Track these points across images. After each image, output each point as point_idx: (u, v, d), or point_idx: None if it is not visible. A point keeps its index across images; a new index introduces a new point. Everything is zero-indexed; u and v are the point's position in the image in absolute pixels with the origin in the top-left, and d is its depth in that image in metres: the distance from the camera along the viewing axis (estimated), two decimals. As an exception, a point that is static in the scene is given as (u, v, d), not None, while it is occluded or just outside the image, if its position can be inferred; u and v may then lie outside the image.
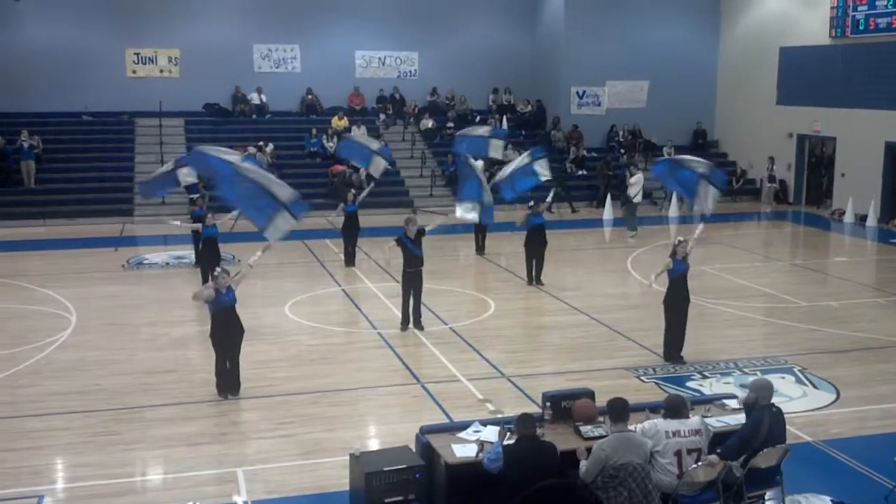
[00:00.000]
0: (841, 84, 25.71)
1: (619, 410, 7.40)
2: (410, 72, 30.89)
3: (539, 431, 7.58)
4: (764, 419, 7.78)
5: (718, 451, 7.66)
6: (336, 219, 20.22)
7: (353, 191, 20.15)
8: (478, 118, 30.49)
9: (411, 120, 29.87)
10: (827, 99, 26.11)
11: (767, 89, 28.31)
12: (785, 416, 8.15)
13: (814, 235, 24.15)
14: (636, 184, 23.02)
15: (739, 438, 7.71)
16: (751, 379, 8.74)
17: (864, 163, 25.05)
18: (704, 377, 12.02)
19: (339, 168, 26.49)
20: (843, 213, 25.24)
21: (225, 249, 17.45)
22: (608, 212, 25.32)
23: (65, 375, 12.09)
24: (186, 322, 14.56)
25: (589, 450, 7.49)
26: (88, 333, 14.09)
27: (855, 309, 15.71)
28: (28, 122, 26.24)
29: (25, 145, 24.91)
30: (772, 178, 27.92)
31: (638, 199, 22.92)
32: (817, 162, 28.00)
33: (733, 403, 8.74)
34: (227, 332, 11.05)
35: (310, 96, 29.62)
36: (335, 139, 27.80)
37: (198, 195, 20.16)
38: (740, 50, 29.81)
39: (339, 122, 28.63)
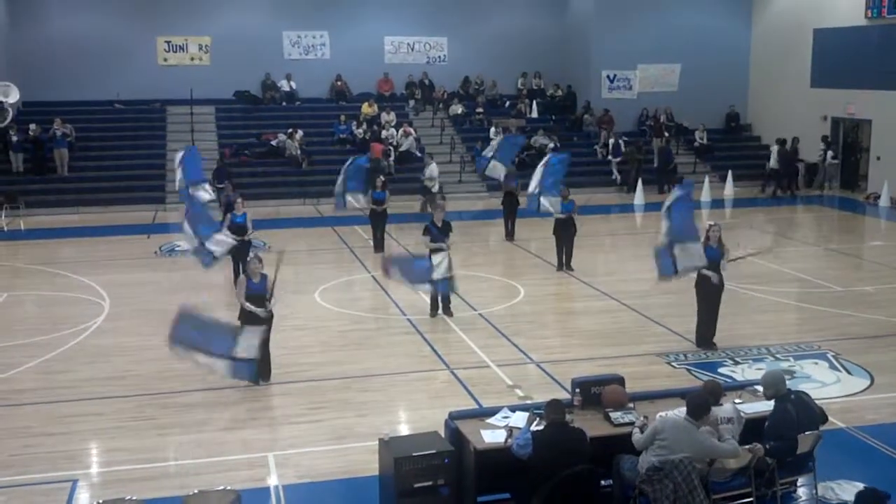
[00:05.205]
0: (876, 65, 25.25)
1: (696, 409, 7.27)
2: (439, 57, 30.80)
3: (568, 417, 7.57)
4: (788, 409, 7.69)
5: (767, 446, 7.57)
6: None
7: (381, 177, 20.10)
8: (507, 103, 30.40)
9: (440, 106, 29.81)
10: (862, 81, 25.67)
11: (801, 72, 27.90)
12: (814, 398, 8.05)
13: (848, 219, 23.82)
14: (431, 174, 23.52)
15: (786, 443, 7.58)
16: (762, 376, 8.49)
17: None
18: (736, 363, 11.93)
19: (378, 147, 26.40)
20: (878, 196, 24.87)
21: (255, 236, 17.52)
22: (639, 197, 25.13)
23: (99, 361, 12.25)
24: (217, 308, 14.62)
25: (644, 425, 7.50)
26: (121, 320, 14.25)
27: (891, 294, 15.47)
28: (61, 110, 26.47)
29: (59, 133, 25.18)
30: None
31: (436, 188, 23.28)
32: (851, 145, 27.61)
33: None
34: (255, 319, 11.10)
35: (339, 83, 29.64)
36: (364, 125, 27.83)
37: (226, 183, 20.27)
38: (773, 32, 29.40)
39: (368, 109, 28.64)
